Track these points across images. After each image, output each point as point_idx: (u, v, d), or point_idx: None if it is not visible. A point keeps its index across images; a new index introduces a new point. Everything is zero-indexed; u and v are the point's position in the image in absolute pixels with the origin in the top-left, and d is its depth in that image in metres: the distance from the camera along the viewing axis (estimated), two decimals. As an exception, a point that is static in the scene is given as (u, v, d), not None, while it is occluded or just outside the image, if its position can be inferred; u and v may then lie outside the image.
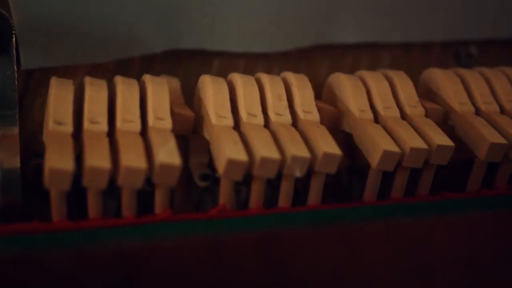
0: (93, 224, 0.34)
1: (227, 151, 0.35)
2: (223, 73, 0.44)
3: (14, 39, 0.39)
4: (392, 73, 0.43)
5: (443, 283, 0.35)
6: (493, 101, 0.42)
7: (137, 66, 0.46)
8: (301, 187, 0.41)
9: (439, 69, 0.44)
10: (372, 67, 0.51)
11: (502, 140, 0.38)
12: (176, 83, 0.43)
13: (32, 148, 0.43)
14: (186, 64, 0.47)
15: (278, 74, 0.43)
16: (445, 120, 0.42)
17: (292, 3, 0.47)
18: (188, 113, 0.40)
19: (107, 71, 0.45)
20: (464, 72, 0.44)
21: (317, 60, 0.50)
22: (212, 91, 0.39)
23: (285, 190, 0.38)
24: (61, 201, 0.34)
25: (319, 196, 0.38)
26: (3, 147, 0.38)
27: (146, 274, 0.31)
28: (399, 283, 0.35)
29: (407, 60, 0.52)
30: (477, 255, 0.36)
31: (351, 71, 0.47)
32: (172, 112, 0.38)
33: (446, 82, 0.42)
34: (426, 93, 0.44)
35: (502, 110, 0.42)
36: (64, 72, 0.44)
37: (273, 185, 0.38)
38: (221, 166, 0.35)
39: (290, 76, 0.42)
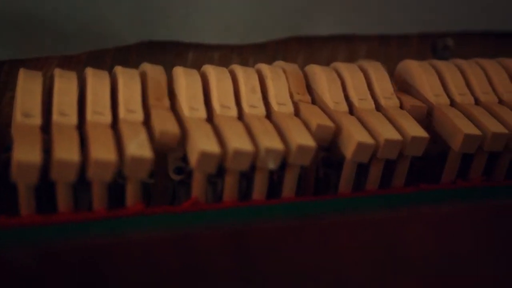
0: (62, 218, 0.33)
1: (199, 143, 0.34)
2: (197, 65, 0.43)
3: (-18, 30, 0.38)
4: (367, 65, 0.42)
5: (418, 275, 0.35)
6: (468, 93, 0.42)
7: (111, 58, 0.46)
8: (277, 179, 0.41)
9: (414, 60, 0.43)
10: (349, 59, 0.51)
11: (476, 132, 0.38)
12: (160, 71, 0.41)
13: (3, 142, 0.43)
14: (160, 56, 0.47)
15: (253, 66, 0.43)
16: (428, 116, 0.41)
17: (268, -5, 0.47)
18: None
19: (80, 63, 0.45)
20: (439, 63, 0.43)
21: (293, 52, 0.50)
22: (184, 83, 0.38)
23: (259, 183, 0.37)
24: (29, 194, 0.33)
25: (293, 188, 0.38)
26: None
27: (116, 270, 0.31)
28: (375, 276, 0.35)
29: (384, 53, 0.52)
30: (452, 247, 0.36)
31: (327, 63, 0.46)
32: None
33: (421, 73, 0.42)
34: (402, 85, 0.44)
35: (477, 102, 0.42)
36: (35, 64, 0.44)
37: (248, 178, 0.38)
38: (193, 159, 0.35)
39: (265, 68, 0.41)
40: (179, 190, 0.41)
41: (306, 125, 0.38)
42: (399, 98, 0.41)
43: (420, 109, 0.41)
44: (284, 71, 0.41)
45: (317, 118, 0.38)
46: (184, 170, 0.40)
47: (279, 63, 0.43)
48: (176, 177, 0.41)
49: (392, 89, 0.41)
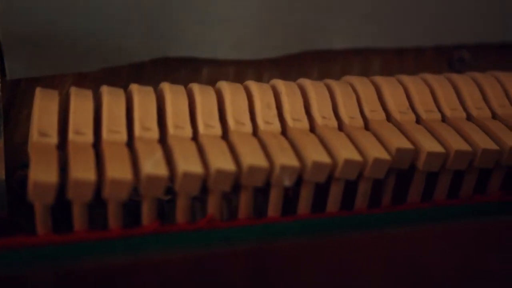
0: (79, 237, 0.34)
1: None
2: (213, 81, 0.43)
3: (-2, 49, 0.39)
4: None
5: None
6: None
7: (126, 75, 0.46)
8: (292, 195, 0.41)
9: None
10: (363, 73, 0.50)
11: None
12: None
13: (19, 160, 0.43)
14: (175, 73, 0.47)
15: (268, 81, 0.43)
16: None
17: (282, 10, 0.47)
18: None
19: (95, 81, 0.45)
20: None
21: (308, 66, 0.50)
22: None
23: (274, 200, 0.37)
24: (45, 214, 0.33)
25: (309, 205, 0.38)
26: (-12, 159, 0.37)
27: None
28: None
29: (399, 66, 0.51)
30: (472, 263, 0.35)
31: (341, 77, 0.46)
32: None
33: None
34: None
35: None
36: (51, 82, 0.44)
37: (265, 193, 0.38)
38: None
39: (280, 83, 0.41)
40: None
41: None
42: None
43: None
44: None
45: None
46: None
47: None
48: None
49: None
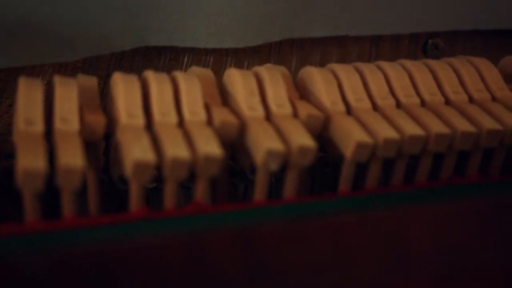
0: (68, 224, 0.34)
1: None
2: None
3: (-21, 39, 0.38)
4: (363, 66, 0.43)
5: (422, 271, 0.35)
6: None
7: (107, 64, 0.46)
8: (274, 180, 0.41)
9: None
10: (341, 60, 0.51)
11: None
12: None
13: (1, 150, 0.43)
14: (156, 61, 0.47)
15: (248, 69, 0.43)
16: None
17: (260, -1, 0.47)
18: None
19: (75, 70, 0.45)
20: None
21: (287, 54, 0.50)
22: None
23: (260, 184, 0.38)
24: (34, 201, 0.33)
25: (295, 189, 0.38)
26: (-28, 149, 0.37)
27: (126, 273, 0.31)
28: (379, 273, 0.35)
29: (376, 53, 0.52)
30: (454, 242, 0.36)
31: (320, 64, 0.47)
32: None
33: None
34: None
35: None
36: (31, 72, 0.44)
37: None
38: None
39: (262, 70, 0.41)
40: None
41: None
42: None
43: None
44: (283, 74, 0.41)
45: (306, 110, 0.38)
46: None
47: (268, 65, 0.44)
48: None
49: (388, 89, 0.42)
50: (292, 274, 0.34)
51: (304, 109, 0.39)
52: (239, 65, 0.49)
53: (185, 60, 0.48)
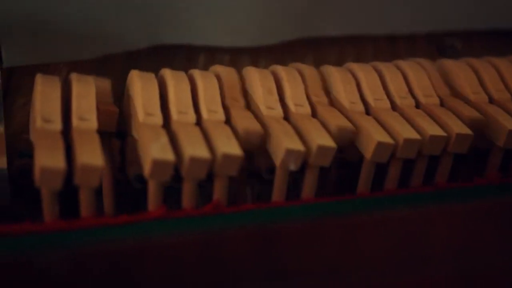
0: (86, 223, 0.33)
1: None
2: (208, 68, 0.43)
3: (-4, 37, 0.38)
4: (381, 65, 0.42)
5: (441, 271, 0.35)
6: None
7: (121, 63, 0.46)
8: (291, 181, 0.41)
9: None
10: (357, 59, 0.51)
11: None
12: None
13: (16, 148, 0.42)
14: (171, 60, 0.47)
15: (264, 68, 0.43)
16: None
17: (276, -3, 0.47)
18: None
19: (90, 68, 0.44)
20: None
21: (302, 53, 0.50)
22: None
23: (279, 184, 0.37)
24: (52, 200, 0.33)
25: (313, 189, 0.38)
26: (-12, 147, 0.37)
27: (145, 272, 0.31)
28: (397, 274, 0.35)
29: (391, 53, 0.52)
30: (475, 243, 0.36)
31: (336, 63, 0.46)
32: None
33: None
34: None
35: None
36: (45, 70, 0.43)
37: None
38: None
39: (280, 69, 0.41)
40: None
41: (325, 127, 0.38)
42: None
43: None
44: (301, 73, 0.41)
45: (336, 120, 0.38)
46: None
47: (296, 65, 0.43)
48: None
49: (407, 88, 0.42)
50: (310, 273, 0.34)
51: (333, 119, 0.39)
52: (254, 64, 0.48)
53: (201, 59, 0.47)
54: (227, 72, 0.40)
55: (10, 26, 0.41)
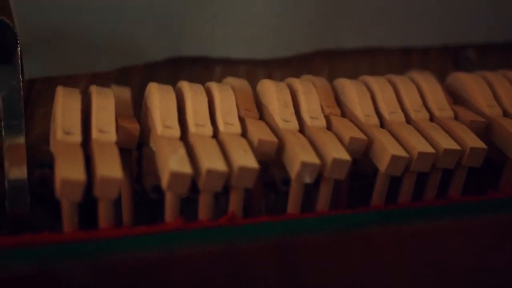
0: (105, 234, 0.34)
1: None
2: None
3: (18, 48, 0.39)
4: (396, 78, 0.43)
5: (459, 286, 0.35)
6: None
7: (140, 74, 0.46)
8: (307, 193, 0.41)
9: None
10: (371, 72, 0.51)
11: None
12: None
13: (35, 158, 0.43)
14: (188, 71, 0.47)
15: (279, 80, 0.43)
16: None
17: (292, 10, 0.48)
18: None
19: (109, 80, 0.45)
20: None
21: (318, 66, 0.50)
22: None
23: (294, 197, 0.38)
24: (72, 211, 0.34)
25: (328, 201, 0.38)
26: (10, 157, 0.37)
27: (166, 284, 0.31)
28: (416, 287, 0.35)
29: (405, 65, 0.52)
30: (492, 258, 0.36)
31: (350, 76, 0.47)
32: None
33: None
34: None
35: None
36: (65, 81, 0.44)
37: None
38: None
39: (295, 82, 0.42)
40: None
41: (340, 140, 0.38)
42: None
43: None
44: (314, 85, 0.41)
45: (349, 131, 0.39)
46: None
47: (307, 77, 0.44)
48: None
49: (421, 102, 0.42)
50: (325, 286, 0.34)
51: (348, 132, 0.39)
52: (270, 76, 0.49)
53: (217, 71, 0.48)
54: (240, 84, 0.41)
55: (31, 38, 0.42)
